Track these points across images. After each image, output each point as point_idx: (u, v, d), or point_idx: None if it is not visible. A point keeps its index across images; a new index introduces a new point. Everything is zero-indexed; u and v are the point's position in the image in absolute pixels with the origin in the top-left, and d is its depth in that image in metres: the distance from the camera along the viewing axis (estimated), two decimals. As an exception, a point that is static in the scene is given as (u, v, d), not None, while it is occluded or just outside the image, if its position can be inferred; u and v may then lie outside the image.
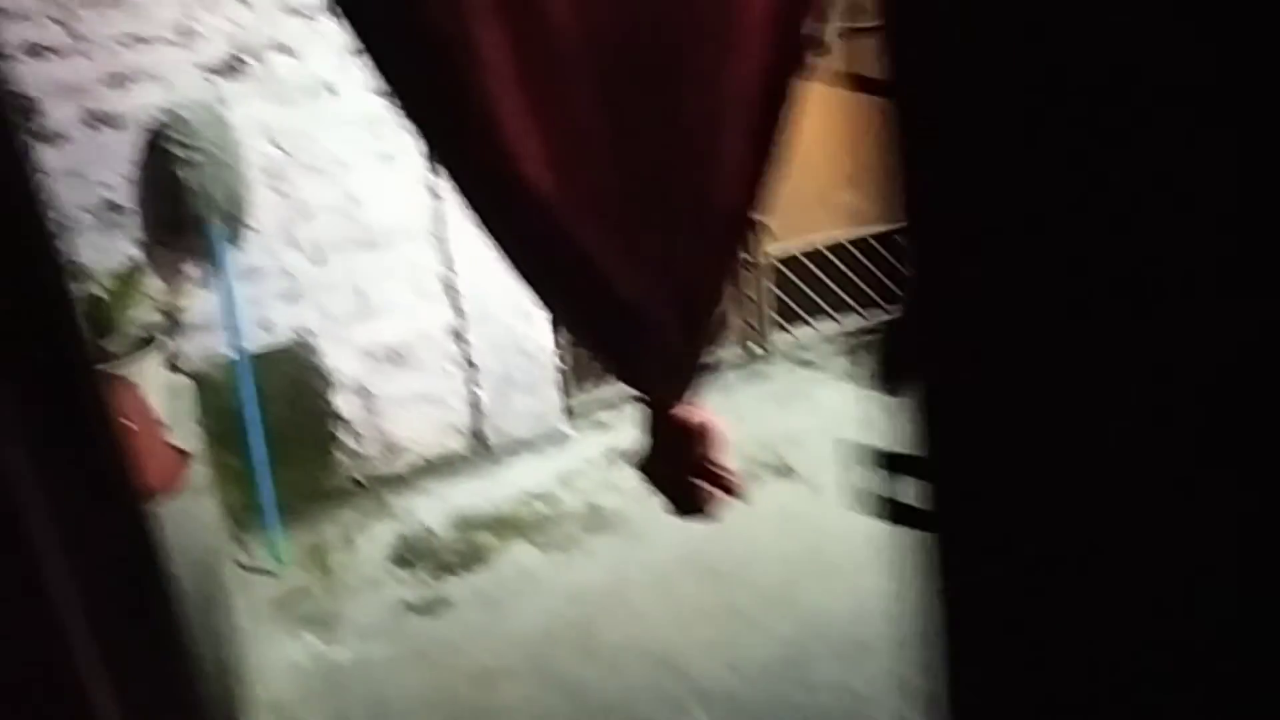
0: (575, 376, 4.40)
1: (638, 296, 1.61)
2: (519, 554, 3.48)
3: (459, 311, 3.96)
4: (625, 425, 4.29)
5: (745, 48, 1.50)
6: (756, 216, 1.65)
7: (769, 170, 1.62)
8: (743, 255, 1.69)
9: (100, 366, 2.74)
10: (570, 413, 4.33)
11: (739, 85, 1.53)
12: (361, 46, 1.44)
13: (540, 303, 1.68)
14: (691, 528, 3.44)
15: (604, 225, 1.57)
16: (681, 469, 1.72)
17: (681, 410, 1.69)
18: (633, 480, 3.81)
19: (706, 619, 2.96)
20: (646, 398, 1.71)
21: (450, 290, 3.93)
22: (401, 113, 1.49)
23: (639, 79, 1.52)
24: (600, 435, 4.23)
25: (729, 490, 1.74)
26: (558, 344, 4.23)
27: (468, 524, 3.66)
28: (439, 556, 3.49)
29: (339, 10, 1.40)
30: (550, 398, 4.23)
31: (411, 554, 3.53)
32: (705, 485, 1.73)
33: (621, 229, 1.58)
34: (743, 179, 1.59)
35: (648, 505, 3.73)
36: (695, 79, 1.52)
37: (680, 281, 1.61)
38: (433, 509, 3.79)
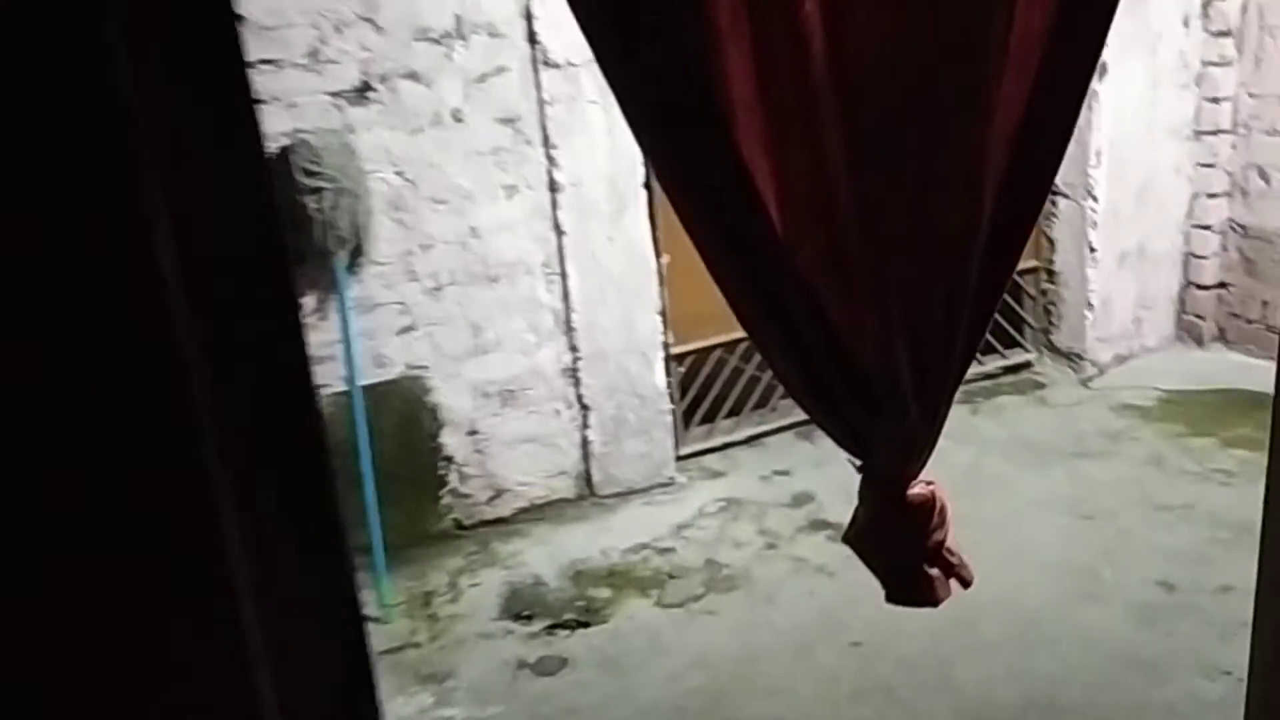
0: (686, 420, 4.21)
1: (874, 362, 1.42)
2: (637, 610, 3.28)
3: (574, 350, 3.80)
4: (738, 473, 4.09)
5: (1021, 70, 1.31)
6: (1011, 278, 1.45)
7: (1032, 222, 1.43)
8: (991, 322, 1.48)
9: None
10: (681, 458, 4.14)
11: (1007, 121, 1.34)
12: (596, 59, 1.28)
13: (766, 361, 1.50)
14: (824, 593, 3.25)
15: (844, 282, 1.39)
16: (911, 553, 1.52)
17: (914, 487, 1.49)
18: (753, 537, 3.65)
19: (856, 698, 2.73)
20: (874, 472, 1.51)
21: (566, 328, 3.77)
22: (634, 128, 1.32)
23: (894, 116, 1.33)
24: (713, 484, 4.03)
25: (961, 579, 1.54)
26: (669, 385, 4.05)
27: (580, 575, 3.47)
28: (552, 610, 3.31)
29: (573, 11, 1.24)
30: (662, 442, 4.04)
31: (523, 606, 3.35)
32: (935, 572, 1.53)
33: (864, 288, 1.39)
34: (1007, 234, 1.39)
35: (771, 564, 3.56)
36: (959, 114, 1.33)
37: (925, 348, 1.41)
38: (542, 557, 3.61)
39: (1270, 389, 1.37)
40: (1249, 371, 4.54)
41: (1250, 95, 4.54)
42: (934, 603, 1.53)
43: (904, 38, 1.29)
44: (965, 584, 1.54)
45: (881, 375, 1.43)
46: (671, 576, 3.43)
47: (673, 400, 4.09)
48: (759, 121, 1.29)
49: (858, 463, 1.51)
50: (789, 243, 1.37)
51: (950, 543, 1.54)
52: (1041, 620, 2.98)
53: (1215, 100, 4.60)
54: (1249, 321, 4.71)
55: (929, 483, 1.51)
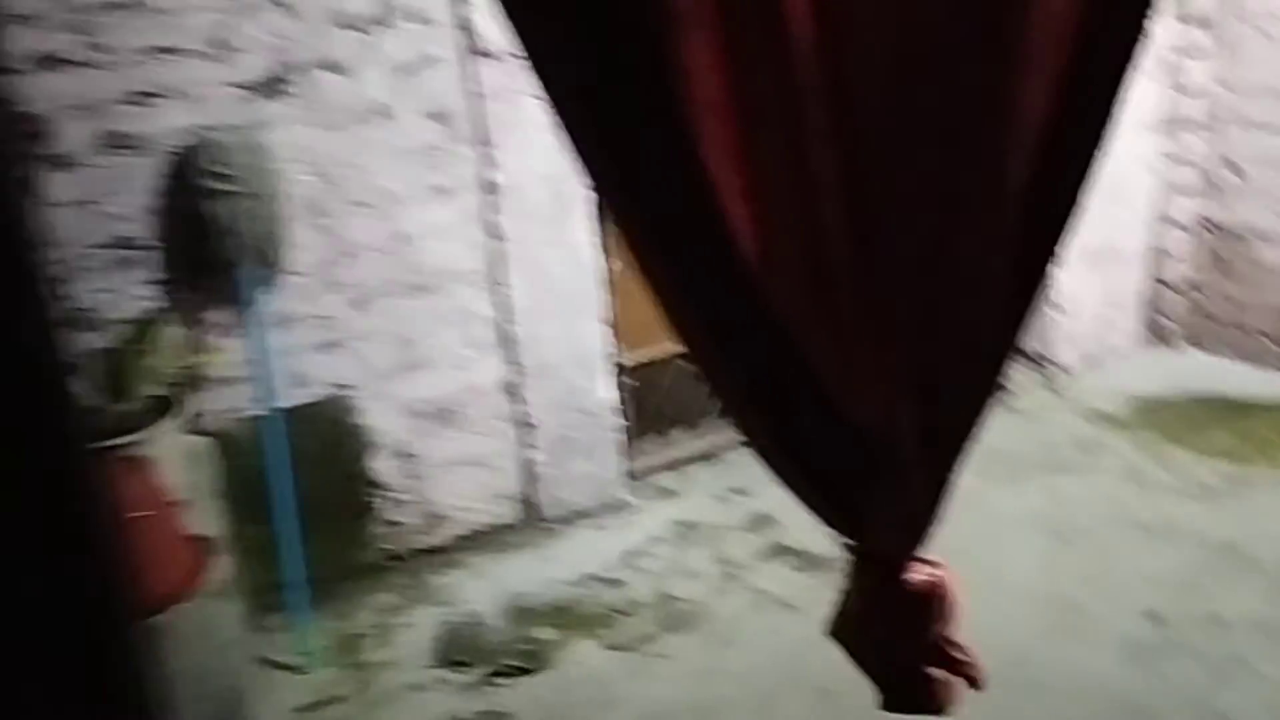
0: (637, 435, 3.94)
1: (870, 420, 1.15)
2: (584, 654, 3.00)
3: (515, 365, 3.50)
4: (692, 492, 3.83)
5: (1044, 65, 1.05)
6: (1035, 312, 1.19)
7: (1060, 245, 1.17)
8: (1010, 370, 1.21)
9: (109, 441, 2.28)
10: (632, 476, 3.86)
11: (1030, 127, 1.08)
12: (524, 54, 0.99)
13: (731, 417, 1.22)
14: (788, 632, 2.99)
15: (834, 325, 1.12)
16: (910, 650, 1.25)
17: (914, 572, 1.23)
18: (709, 566, 3.38)
19: (825, 756, 2.48)
20: (865, 554, 1.24)
21: (506, 341, 3.47)
22: (569, 134, 1.04)
23: (896, 121, 1.06)
24: (666, 505, 3.76)
25: (969, 679, 1.27)
26: (619, 399, 3.77)
27: (522, 613, 3.18)
28: (491, 654, 3.01)
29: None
30: (611, 461, 3.76)
31: (458, 650, 3.05)
32: (939, 673, 1.26)
33: (860, 331, 1.12)
34: (1031, 261, 1.13)
35: (729, 598, 3.29)
36: (975, 119, 1.07)
37: (929, 403, 1.14)
38: (481, 592, 3.31)
39: (1245, 394, 1.15)
40: (1223, 375, 4.37)
41: (1224, 87, 4.35)
42: (937, 710, 1.27)
43: (908, 24, 1.02)
44: (975, 685, 1.28)
45: (879, 437, 1.16)
46: (621, 614, 3.15)
47: (623, 416, 3.81)
48: (729, 128, 1.01)
49: (849, 543, 1.24)
50: (765, 277, 1.10)
51: (955, 635, 1.27)
52: (1023, 658, 2.74)
53: (1187, 92, 4.41)
54: (1222, 323, 4.54)
55: (933, 564, 1.24)
